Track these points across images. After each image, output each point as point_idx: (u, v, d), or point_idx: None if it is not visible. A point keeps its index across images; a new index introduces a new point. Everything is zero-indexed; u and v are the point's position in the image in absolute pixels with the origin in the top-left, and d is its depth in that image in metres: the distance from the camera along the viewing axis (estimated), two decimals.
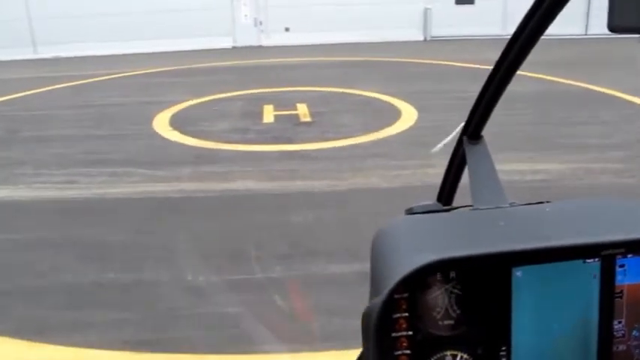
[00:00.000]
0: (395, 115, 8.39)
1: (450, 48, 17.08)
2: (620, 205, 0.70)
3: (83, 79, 13.06)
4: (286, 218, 4.63)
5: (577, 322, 0.58)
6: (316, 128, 7.78)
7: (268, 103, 9.45)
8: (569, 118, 7.77)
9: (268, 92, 10.63)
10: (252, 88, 10.91)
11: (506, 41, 0.73)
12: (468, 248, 0.56)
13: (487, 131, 0.87)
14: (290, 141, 7.15)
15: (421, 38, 19.56)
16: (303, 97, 9.91)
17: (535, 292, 0.57)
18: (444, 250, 0.56)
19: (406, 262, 0.55)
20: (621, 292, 0.59)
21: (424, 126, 7.51)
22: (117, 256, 4.00)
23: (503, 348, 0.58)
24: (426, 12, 19.50)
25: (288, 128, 7.82)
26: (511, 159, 5.58)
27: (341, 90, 10.54)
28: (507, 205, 0.72)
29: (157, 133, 7.73)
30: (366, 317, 0.56)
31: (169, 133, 7.73)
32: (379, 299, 0.54)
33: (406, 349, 0.56)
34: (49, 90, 11.93)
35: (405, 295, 0.55)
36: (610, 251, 0.57)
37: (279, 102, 9.57)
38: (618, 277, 0.58)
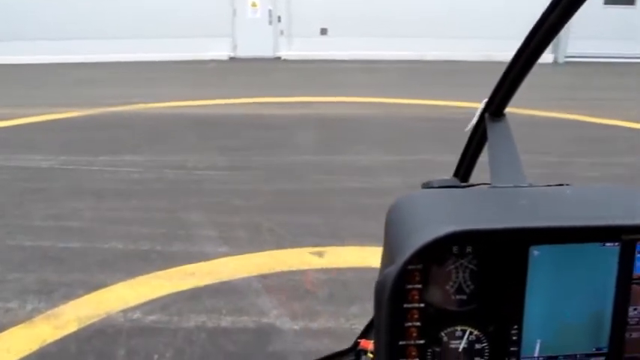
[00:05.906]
0: None
1: (618, 83, 9.47)
2: None
3: None
4: None
5: (591, 306, 0.57)
6: None
7: None
8: None
9: (294, 273, 2.94)
10: (255, 247, 3.27)
11: None
12: (486, 223, 0.55)
13: None
14: None
15: (549, 59, 11.80)
16: None
17: (551, 273, 0.55)
18: (461, 224, 0.54)
19: (422, 233, 0.54)
20: (639, 278, 0.57)
21: None
22: None
23: (515, 326, 0.56)
24: None
25: None
26: None
27: None
28: (526, 185, 0.71)
29: None
30: (380, 286, 0.55)
31: None
32: (394, 268, 0.53)
33: (417, 321, 0.54)
34: None
35: (420, 266, 0.53)
36: (631, 236, 0.55)
37: None
38: (637, 263, 0.56)
